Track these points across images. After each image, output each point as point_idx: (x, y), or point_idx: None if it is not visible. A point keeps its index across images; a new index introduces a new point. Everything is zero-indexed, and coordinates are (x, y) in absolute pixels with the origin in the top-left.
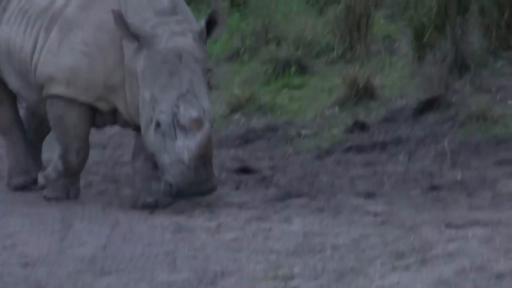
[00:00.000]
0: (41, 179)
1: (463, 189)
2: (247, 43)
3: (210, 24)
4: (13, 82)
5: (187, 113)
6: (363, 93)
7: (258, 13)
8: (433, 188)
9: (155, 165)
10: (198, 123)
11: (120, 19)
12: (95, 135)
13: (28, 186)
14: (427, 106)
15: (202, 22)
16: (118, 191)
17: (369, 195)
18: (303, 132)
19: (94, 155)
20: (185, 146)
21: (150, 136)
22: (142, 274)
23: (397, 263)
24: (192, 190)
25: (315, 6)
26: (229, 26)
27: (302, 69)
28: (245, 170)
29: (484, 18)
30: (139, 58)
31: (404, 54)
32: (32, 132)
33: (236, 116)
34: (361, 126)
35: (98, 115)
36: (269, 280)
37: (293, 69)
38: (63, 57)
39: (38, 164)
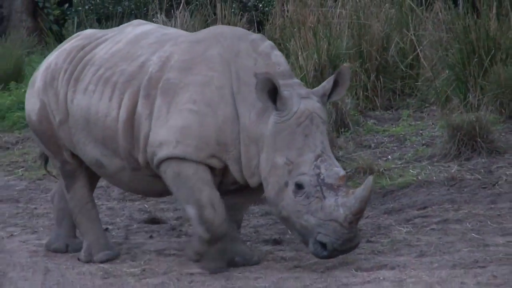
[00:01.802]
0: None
1: (361, 235)
2: None
3: (333, 86)
4: (91, 151)
5: (332, 172)
6: None
7: None
8: None
9: None
10: (344, 180)
11: (267, 80)
12: (5, 191)
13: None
14: None
15: (326, 85)
16: (40, 241)
17: (276, 242)
18: None
19: (9, 208)
20: (341, 203)
21: (287, 199)
22: None
23: None
24: (346, 247)
25: None
26: None
27: None
28: (154, 220)
29: (352, 80)
30: (267, 123)
31: None
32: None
33: None
34: None
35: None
36: None
37: None
38: (173, 120)
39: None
